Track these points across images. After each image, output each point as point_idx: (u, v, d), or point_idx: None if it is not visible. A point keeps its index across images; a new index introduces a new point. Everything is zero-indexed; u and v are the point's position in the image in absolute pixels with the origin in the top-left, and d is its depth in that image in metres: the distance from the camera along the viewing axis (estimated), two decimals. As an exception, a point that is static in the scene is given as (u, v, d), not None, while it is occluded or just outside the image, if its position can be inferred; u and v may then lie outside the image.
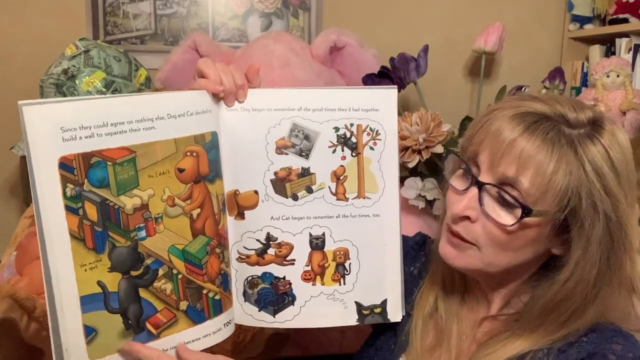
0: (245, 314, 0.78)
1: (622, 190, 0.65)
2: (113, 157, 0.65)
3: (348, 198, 0.78)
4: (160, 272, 0.70)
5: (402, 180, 1.44)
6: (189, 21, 1.84)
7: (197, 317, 0.72)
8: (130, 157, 0.66)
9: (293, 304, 0.78)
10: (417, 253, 0.89)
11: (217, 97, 0.73)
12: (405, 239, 0.86)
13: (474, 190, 0.68)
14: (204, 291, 0.73)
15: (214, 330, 0.74)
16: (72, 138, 0.62)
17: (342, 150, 0.77)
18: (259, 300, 0.78)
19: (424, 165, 1.53)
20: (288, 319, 0.78)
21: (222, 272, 0.75)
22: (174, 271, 0.70)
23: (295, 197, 0.77)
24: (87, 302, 0.65)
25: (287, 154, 0.76)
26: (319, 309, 0.79)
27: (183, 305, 0.71)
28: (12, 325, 1.00)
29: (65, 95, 1.46)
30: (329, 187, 0.77)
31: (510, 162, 0.65)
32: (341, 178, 0.77)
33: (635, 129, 1.72)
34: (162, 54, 1.76)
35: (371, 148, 0.77)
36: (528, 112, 0.66)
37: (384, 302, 0.80)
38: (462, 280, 0.80)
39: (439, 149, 1.42)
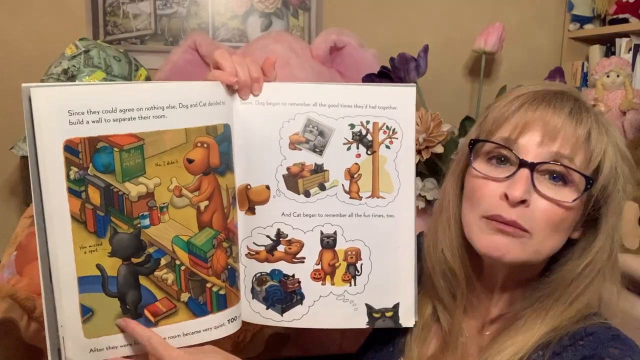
0: (253, 311, 0.77)
1: (632, 178, 0.71)
2: (120, 143, 0.65)
3: (362, 197, 0.75)
4: (163, 261, 0.69)
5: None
6: (189, 21, 1.84)
7: (198, 310, 0.72)
8: (137, 144, 0.66)
9: (301, 303, 0.76)
10: (419, 255, 0.88)
11: (231, 89, 0.71)
12: None
13: (524, 173, 0.67)
14: (208, 285, 0.72)
15: (216, 325, 0.73)
16: (79, 122, 0.63)
17: (357, 148, 0.75)
18: (267, 298, 0.76)
19: (424, 165, 1.53)
20: (296, 318, 0.77)
21: (229, 267, 0.74)
22: (177, 262, 0.70)
23: (307, 194, 0.75)
24: (84, 283, 0.66)
25: (300, 149, 0.74)
26: (328, 309, 0.76)
27: (184, 297, 0.71)
28: (12, 325, 1.00)
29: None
30: (342, 185, 0.75)
31: (564, 142, 0.68)
32: (355, 176, 0.75)
33: (635, 129, 1.72)
34: (162, 54, 1.76)
35: (387, 147, 0.75)
36: (562, 92, 0.72)
37: (396, 306, 0.77)
38: (462, 281, 0.79)
39: (439, 149, 1.42)
